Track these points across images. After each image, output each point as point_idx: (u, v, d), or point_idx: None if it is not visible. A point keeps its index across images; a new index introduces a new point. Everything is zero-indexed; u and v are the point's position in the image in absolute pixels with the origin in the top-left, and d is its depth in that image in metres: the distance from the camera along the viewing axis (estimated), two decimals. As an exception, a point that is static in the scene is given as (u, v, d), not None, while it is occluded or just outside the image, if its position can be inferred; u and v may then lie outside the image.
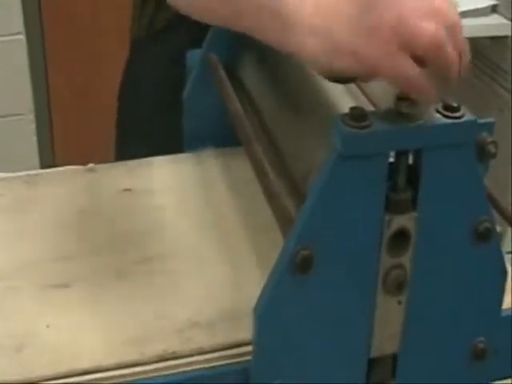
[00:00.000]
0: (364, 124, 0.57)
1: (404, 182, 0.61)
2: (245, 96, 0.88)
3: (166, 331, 0.69)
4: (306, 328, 0.64)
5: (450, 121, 0.59)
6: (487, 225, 0.64)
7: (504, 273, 0.68)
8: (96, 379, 0.65)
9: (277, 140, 0.78)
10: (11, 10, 2.12)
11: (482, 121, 1.13)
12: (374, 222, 0.61)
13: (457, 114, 0.60)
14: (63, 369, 0.65)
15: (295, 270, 0.60)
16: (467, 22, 1.70)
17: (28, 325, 0.70)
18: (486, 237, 0.65)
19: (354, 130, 0.57)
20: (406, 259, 0.63)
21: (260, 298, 0.62)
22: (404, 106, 0.59)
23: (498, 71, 1.77)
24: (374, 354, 0.67)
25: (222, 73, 0.91)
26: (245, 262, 0.77)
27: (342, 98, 0.76)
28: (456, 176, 0.61)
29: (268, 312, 0.62)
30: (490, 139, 1.03)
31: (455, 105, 0.60)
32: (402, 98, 0.59)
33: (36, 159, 2.34)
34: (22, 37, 2.17)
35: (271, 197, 0.68)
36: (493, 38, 1.74)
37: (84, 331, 0.69)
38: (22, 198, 0.91)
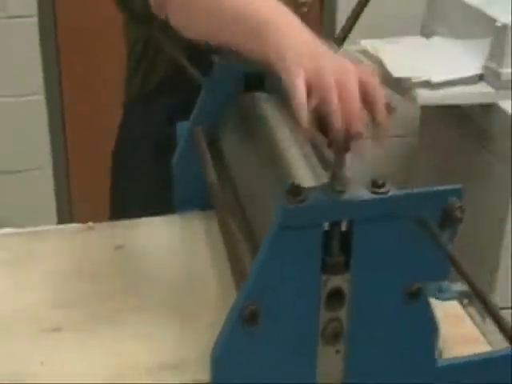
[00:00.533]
0: (300, 199, 0.68)
1: (338, 248, 0.71)
2: (222, 165, 0.99)
3: (140, 371, 0.79)
4: (255, 373, 0.73)
5: (375, 196, 0.69)
6: (416, 286, 0.74)
7: (435, 328, 0.77)
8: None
9: (244, 205, 0.89)
10: (31, 72, 2.28)
11: (449, 187, 1.24)
12: (312, 282, 0.71)
13: (383, 190, 0.70)
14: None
15: (244, 322, 0.70)
16: (456, 90, 1.81)
17: (23, 363, 0.80)
18: (417, 296, 0.74)
19: (290, 205, 0.67)
20: (343, 313, 0.73)
21: (215, 344, 0.72)
22: (338, 183, 0.69)
23: (485, 136, 1.87)
24: (318, 397, 0.76)
25: (204, 145, 1.02)
26: (213, 316, 0.87)
27: (302, 170, 0.86)
28: (385, 243, 0.71)
29: (221, 357, 0.72)
30: (457, 204, 1.14)
31: (381, 182, 0.70)
32: (335, 178, 0.69)
33: (54, 212, 2.47)
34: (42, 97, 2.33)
35: (231, 257, 0.79)
36: (480, 105, 1.85)
37: (71, 370, 0.80)
38: (25, 253, 1.03)
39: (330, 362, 0.75)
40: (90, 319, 0.88)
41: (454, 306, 1.04)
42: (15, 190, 2.43)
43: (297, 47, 0.73)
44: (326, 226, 0.70)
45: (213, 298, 0.91)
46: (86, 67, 2.40)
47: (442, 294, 1.09)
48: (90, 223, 1.10)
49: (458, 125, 2.02)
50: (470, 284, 0.92)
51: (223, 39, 0.83)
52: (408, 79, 1.79)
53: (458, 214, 1.07)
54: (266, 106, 1.03)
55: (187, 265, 0.99)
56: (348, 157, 0.69)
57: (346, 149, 0.68)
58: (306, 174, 0.85)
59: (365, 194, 0.70)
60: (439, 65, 1.84)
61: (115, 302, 0.91)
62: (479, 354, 0.83)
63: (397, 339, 0.76)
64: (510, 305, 1.88)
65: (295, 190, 0.68)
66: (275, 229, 0.68)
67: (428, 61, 1.87)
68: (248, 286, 0.70)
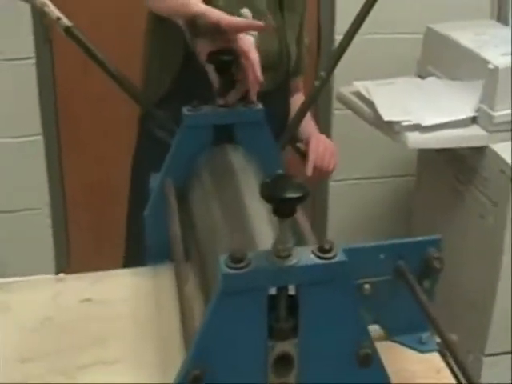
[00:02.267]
0: (242, 265, 0.67)
1: (285, 313, 0.70)
2: (188, 218, 0.99)
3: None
4: None
5: (321, 261, 0.69)
6: (367, 351, 0.73)
7: (390, 392, 0.76)
8: None
9: (204, 260, 0.88)
10: (30, 113, 2.30)
11: (429, 238, 1.23)
12: (259, 347, 0.70)
13: (329, 255, 0.69)
14: None
15: (189, 388, 0.69)
16: (448, 133, 1.81)
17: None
18: (367, 361, 0.73)
19: (232, 271, 0.67)
20: (292, 379, 0.72)
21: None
22: (282, 248, 0.68)
23: (478, 178, 1.86)
24: None
25: (173, 197, 1.02)
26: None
27: (262, 225, 0.86)
28: (332, 307, 0.71)
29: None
30: (436, 255, 1.13)
31: (328, 247, 0.69)
32: (279, 242, 0.69)
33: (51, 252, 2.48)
34: (40, 137, 2.34)
35: (182, 317, 0.78)
36: (472, 148, 1.84)
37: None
38: None
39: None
40: (54, 373, 0.89)
41: (434, 357, 1.04)
42: (12, 229, 2.45)
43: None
44: (273, 290, 0.70)
45: (176, 352, 0.90)
46: (83, 108, 2.42)
47: (422, 346, 1.09)
48: (62, 275, 1.10)
49: (452, 165, 2.01)
50: (440, 334, 0.91)
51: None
52: (398, 123, 1.78)
53: (436, 264, 1.06)
54: (235, 157, 1.03)
55: (154, 318, 0.98)
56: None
57: None
58: (264, 229, 0.84)
59: (310, 258, 0.69)
60: (432, 107, 1.84)
61: (81, 356, 0.92)
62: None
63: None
64: (509, 349, 1.86)
65: (238, 256, 0.67)
66: (218, 294, 0.68)
67: (420, 103, 1.87)
68: (192, 351, 0.69)
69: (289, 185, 0.67)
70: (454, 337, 1.20)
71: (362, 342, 0.73)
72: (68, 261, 2.47)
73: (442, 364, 1.01)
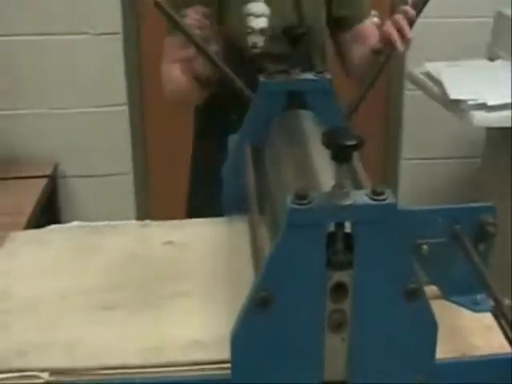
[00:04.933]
0: (306, 201, 0.78)
1: (341, 247, 0.81)
2: (262, 175, 1.10)
3: (174, 346, 0.92)
4: (269, 353, 0.84)
5: (373, 202, 0.79)
6: (413, 285, 0.83)
7: (434, 325, 0.86)
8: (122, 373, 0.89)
9: (274, 208, 1.00)
10: (116, 84, 2.45)
11: (483, 204, 1.31)
12: (318, 276, 0.81)
13: (380, 197, 0.80)
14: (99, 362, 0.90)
15: (256, 307, 0.81)
16: (506, 114, 1.87)
17: (79, 331, 0.95)
18: (413, 295, 0.83)
19: (297, 206, 0.78)
20: (346, 305, 0.83)
21: (233, 326, 0.83)
22: (340, 190, 0.79)
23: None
24: (326, 378, 0.86)
25: (249, 157, 1.14)
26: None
27: (327, 174, 0.96)
28: (383, 244, 0.81)
29: (238, 338, 0.83)
30: (490, 220, 1.22)
31: (380, 190, 0.80)
32: (338, 185, 0.79)
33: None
34: (126, 108, 2.50)
35: (253, 254, 0.90)
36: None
37: (119, 340, 0.94)
38: (87, 244, 1.18)
39: (335, 349, 0.84)
40: (137, 301, 1.02)
41: (487, 317, 1.11)
42: (100, 192, 2.62)
43: None
44: (332, 227, 0.81)
45: (246, 289, 1.02)
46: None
47: (477, 306, 1.15)
48: (147, 221, 1.23)
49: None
50: (492, 294, 1.00)
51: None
52: (464, 101, 1.86)
53: (490, 229, 1.15)
54: (305, 121, 1.14)
55: (227, 260, 1.10)
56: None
57: None
58: (328, 177, 0.94)
59: (363, 199, 0.80)
60: (498, 88, 1.90)
61: (160, 288, 1.04)
62: (478, 356, 0.91)
63: (396, 335, 0.84)
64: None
65: (303, 194, 0.79)
66: (283, 227, 0.79)
67: (488, 83, 1.93)
68: (260, 276, 0.81)
69: (345, 134, 0.78)
70: (507, 301, 1.28)
71: (409, 278, 0.82)
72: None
73: (494, 323, 1.08)
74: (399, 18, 1.41)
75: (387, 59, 1.39)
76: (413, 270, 0.83)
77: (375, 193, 0.80)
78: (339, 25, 1.66)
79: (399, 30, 1.40)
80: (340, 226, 0.81)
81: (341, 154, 0.77)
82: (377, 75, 1.36)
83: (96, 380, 0.89)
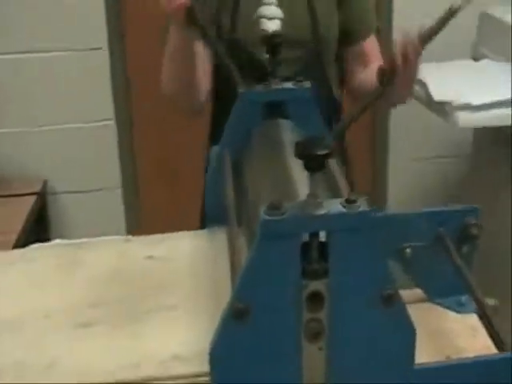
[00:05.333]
0: (280, 212, 0.78)
1: (316, 256, 0.81)
2: (241, 185, 1.10)
3: (154, 360, 0.92)
4: (248, 364, 0.84)
5: (346, 211, 0.79)
6: (390, 291, 0.83)
7: (412, 330, 0.86)
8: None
9: (252, 219, 1.00)
10: (102, 99, 2.46)
11: (468, 206, 1.31)
12: (294, 286, 0.81)
13: (354, 205, 0.79)
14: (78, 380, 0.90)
15: (234, 319, 0.81)
16: (497, 112, 1.87)
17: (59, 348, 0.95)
18: (390, 301, 0.83)
19: (270, 217, 0.78)
20: (323, 315, 0.83)
21: (212, 339, 0.83)
22: (314, 200, 0.79)
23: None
24: (306, 386, 0.85)
25: (228, 167, 1.14)
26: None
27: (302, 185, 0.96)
28: (359, 252, 0.81)
29: (216, 350, 0.82)
30: (473, 222, 1.22)
31: (353, 199, 0.80)
32: (312, 195, 0.79)
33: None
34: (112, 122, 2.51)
35: (231, 267, 0.90)
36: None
37: (99, 357, 0.94)
38: (72, 260, 1.18)
39: (313, 358, 0.84)
40: (119, 316, 1.02)
41: (472, 318, 1.11)
42: (90, 207, 2.62)
43: None
44: (307, 237, 0.80)
45: (227, 299, 1.02)
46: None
47: (461, 308, 1.16)
48: (130, 236, 1.24)
49: (506, 145, 2.07)
50: (474, 295, 0.99)
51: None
52: (449, 103, 1.86)
53: (474, 231, 1.15)
54: (285, 130, 1.14)
55: (208, 273, 1.10)
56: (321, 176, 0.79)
57: None
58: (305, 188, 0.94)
59: (337, 208, 0.79)
60: (484, 87, 1.90)
61: (142, 302, 1.05)
62: (456, 359, 0.92)
63: (374, 342, 0.84)
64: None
65: (276, 205, 0.79)
66: (258, 238, 0.79)
67: (473, 83, 1.94)
68: (236, 288, 0.81)
69: (317, 144, 0.77)
70: (492, 301, 1.28)
71: (385, 284, 0.82)
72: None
73: (479, 324, 1.08)
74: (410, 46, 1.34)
75: (387, 84, 1.33)
76: (389, 276, 0.83)
77: (348, 201, 0.80)
78: (344, 39, 1.63)
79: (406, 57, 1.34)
80: (314, 235, 0.81)
81: (313, 164, 0.77)
82: (373, 101, 1.34)
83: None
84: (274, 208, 0.79)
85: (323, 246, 0.81)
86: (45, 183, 2.58)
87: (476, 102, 1.83)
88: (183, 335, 0.96)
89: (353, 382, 0.86)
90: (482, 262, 1.29)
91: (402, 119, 2.51)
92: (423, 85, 1.97)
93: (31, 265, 1.18)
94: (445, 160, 2.64)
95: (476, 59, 2.14)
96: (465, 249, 1.23)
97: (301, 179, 0.98)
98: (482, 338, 1.05)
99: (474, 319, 1.10)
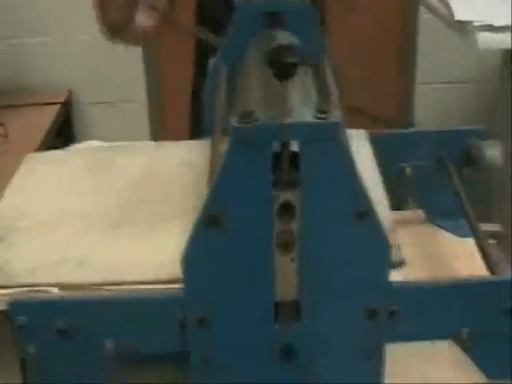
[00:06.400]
0: (250, 120, 0.78)
1: (287, 166, 0.81)
2: (231, 95, 1.10)
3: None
4: (221, 273, 0.85)
5: (316, 121, 0.79)
6: (363, 207, 0.82)
7: (386, 245, 0.86)
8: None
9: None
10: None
11: (472, 127, 1.30)
12: (265, 196, 0.81)
13: (324, 116, 0.79)
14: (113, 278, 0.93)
15: (206, 226, 0.82)
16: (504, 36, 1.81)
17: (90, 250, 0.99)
18: (363, 215, 0.83)
19: (240, 125, 0.78)
20: (294, 226, 0.83)
21: (185, 245, 0.84)
22: (285, 110, 0.79)
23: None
24: (279, 298, 0.87)
25: (223, 78, 1.13)
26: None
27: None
28: (329, 164, 0.80)
29: (188, 255, 0.84)
30: (477, 144, 1.21)
31: (326, 108, 0.79)
32: (283, 105, 0.79)
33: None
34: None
35: (210, 175, 0.90)
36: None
37: (133, 255, 0.97)
38: (101, 162, 1.20)
39: (286, 270, 0.84)
40: (152, 218, 1.05)
41: (469, 242, 1.11)
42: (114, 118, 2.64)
43: None
44: (278, 147, 0.80)
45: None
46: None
47: (459, 231, 1.17)
48: (161, 141, 1.28)
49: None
50: (470, 223, 0.99)
51: None
52: (470, 22, 1.81)
53: (476, 152, 1.14)
54: (280, 38, 1.12)
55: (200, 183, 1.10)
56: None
57: None
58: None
59: (307, 118, 0.79)
60: (507, 8, 1.85)
61: (176, 205, 1.07)
62: (434, 281, 0.92)
63: (346, 255, 0.84)
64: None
65: (248, 113, 0.79)
66: (229, 145, 0.79)
67: (495, 4, 1.88)
68: (209, 194, 0.82)
69: (286, 52, 0.77)
70: (492, 226, 1.28)
71: (358, 199, 0.82)
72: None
73: (475, 248, 1.07)
74: None
75: None
76: (361, 190, 0.82)
77: (320, 111, 0.79)
78: None
79: None
80: (285, 145, 0.80)
81: (282, 72, 0.77)
82: None
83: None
84: (245, 116, 0.79)
85: (296, 157, 0.81)
86: (70, 93, 2.60)
87: (498, 22, 1.78)
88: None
89: (325, 294, 0.87)
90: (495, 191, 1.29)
91: (430, 41, 2.46)
92: (446, 3, 1.92)
93: (63, 166, 1.20)
94: (473, 85, 2.59)
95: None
96: (466, 171, 1.23)
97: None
98: (478, 263, 1.04)
99: (471, 243, 1.10)
